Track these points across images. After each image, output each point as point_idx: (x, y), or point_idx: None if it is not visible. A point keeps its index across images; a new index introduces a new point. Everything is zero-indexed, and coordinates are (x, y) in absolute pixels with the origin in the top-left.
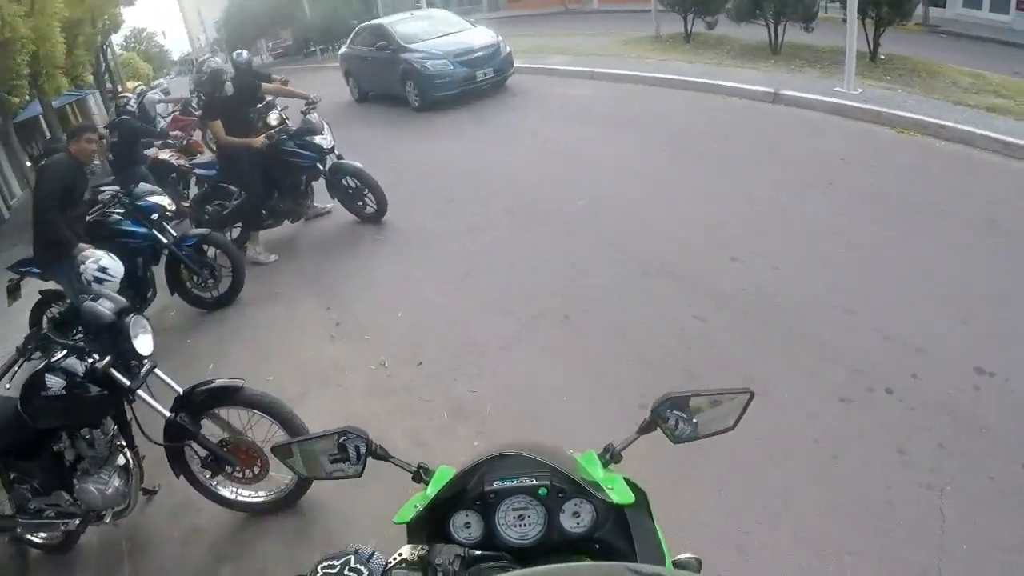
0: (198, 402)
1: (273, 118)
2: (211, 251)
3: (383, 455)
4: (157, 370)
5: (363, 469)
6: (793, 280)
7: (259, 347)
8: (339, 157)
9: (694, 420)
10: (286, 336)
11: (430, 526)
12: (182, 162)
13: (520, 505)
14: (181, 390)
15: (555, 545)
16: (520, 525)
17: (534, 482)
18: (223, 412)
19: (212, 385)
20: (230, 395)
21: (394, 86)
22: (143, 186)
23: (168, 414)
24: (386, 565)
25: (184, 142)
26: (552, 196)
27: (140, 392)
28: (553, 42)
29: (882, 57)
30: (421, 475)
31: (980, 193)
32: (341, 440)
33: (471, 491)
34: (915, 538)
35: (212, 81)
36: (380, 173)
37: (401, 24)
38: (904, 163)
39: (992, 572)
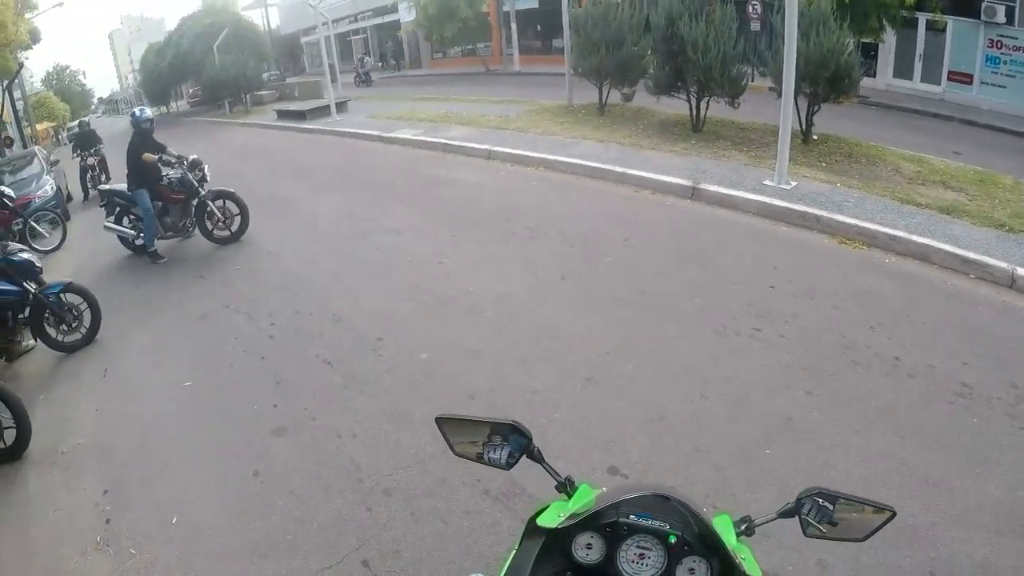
0: None
1: None
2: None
3: (539, 458)
4: None
5: (514, 464)
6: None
7: None
8: None
9: (832, 520)
10: None
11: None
12: None
13: (645, 544)
14: None
15: None
16: (639, 563)
17: (667, 527)
18: None
19: None
20: None
21: None
22: (12, 245)
23: None
24: None
25: None
26: (389, 345)
27: None
28: (462, 109)
29: (815, 137)
30: (566, 487)
31: (948, 344)
32: (507, 432)
33: (605, 516)
34: None
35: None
36: None
37: None
38: (851, 290)
39: None
